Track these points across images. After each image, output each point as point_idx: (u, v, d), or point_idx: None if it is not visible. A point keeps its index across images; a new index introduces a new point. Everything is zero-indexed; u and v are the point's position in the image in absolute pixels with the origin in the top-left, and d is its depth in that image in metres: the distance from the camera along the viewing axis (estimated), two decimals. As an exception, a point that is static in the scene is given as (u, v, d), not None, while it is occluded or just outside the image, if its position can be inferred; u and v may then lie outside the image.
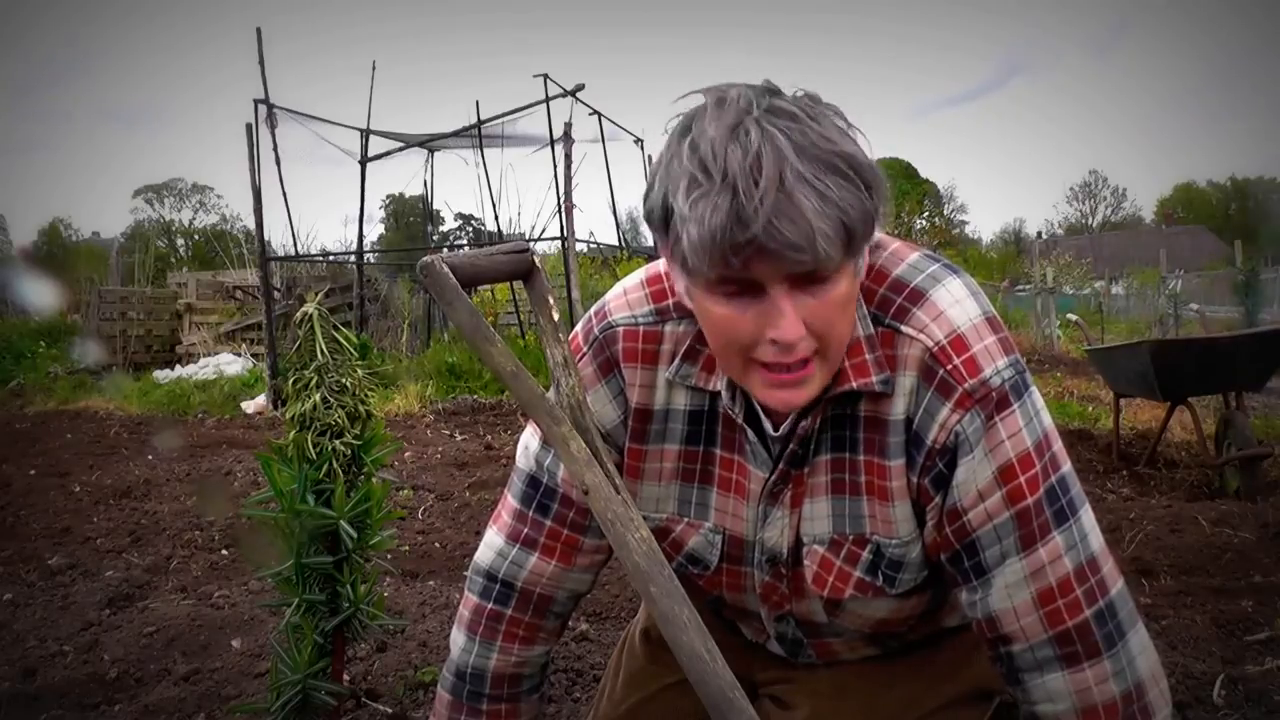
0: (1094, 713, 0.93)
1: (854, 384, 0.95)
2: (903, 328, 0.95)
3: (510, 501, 1.20)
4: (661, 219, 0.87)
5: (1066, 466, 0.96)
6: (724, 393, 1.02)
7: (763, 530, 1.06)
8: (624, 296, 1.11)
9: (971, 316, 0.95)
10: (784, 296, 0.85)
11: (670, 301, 1.06)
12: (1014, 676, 0.97)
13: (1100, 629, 0.93)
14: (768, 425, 1.03)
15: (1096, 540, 0.95)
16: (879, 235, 0.96)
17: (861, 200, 0.83)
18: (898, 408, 0.96)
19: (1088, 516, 0.95)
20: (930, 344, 0.94)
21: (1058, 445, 0.96)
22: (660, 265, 1.07)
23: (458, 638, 1.23)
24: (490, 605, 1.20)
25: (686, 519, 1.10)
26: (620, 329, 1.08)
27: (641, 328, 1.07)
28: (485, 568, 1.22)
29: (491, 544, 1.22)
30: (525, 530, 1.18)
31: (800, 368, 0.89)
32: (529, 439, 1.19)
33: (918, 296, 0.96)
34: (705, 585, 1.11)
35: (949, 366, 0.93)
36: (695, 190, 0.82)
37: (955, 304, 0.96)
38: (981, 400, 0.92)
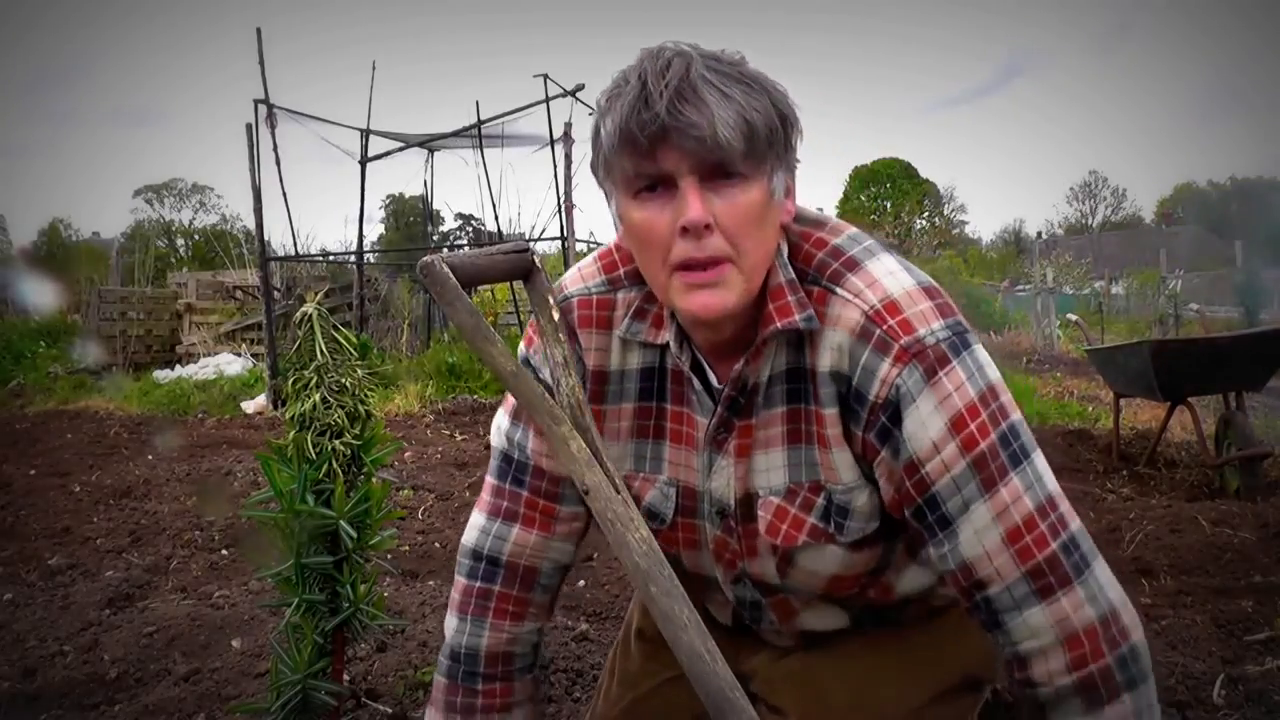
0: (1076, 640, 0.95)
1: (778, 324, 1.00)
2: (838, 289, 1.01)
3: (489, 480, 1.26)
4: (593, 152, 0.99)
5: (1016, 414, 1.00)
6: (671, 342, 1.07)
7: (709, 480, 1.10)
8: (578, 272, 1.18)
9: (905, 285, 1.00)
10: (692, 188, 0.93)
11: (622, 270, 1.14)
12: (994, 620, 0.98)
13: (1068, 559, 0.96)
14: (713, 377, 1.08)
15: (1051, 481, 0.98)
16: (822, 213, 1.06)
17: (766, 109, 0.93)
18: (824, 361, 1.01)
19: (1040, 460, 0.99)
20: (865, 307, 0.99)
21: (1006, 396, 0.99)
22: (612, 243, 1.17)
23: (450, 621, 1.26)
24: (478, 584, 1.23)
25: (643, 474, 1.15)
26: (575, 299, 1.15)
27: (595, 296, 1.14)
28: (471, 547, 1.25)
29: (475, 524, 1.26)
30: (505, 504, 1.23)
31: (713, 267, 0.95)
32: (500, 419, 1.24)
33: (853, 264, 1.02)
34: (665, 543, 1.12)
35: (885, 326, 0.98)
36: (613, 94, 0.94)
37: (889, 274, 1.01)
38: (918, 355, 0.96)
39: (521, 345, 1.22)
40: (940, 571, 1.02)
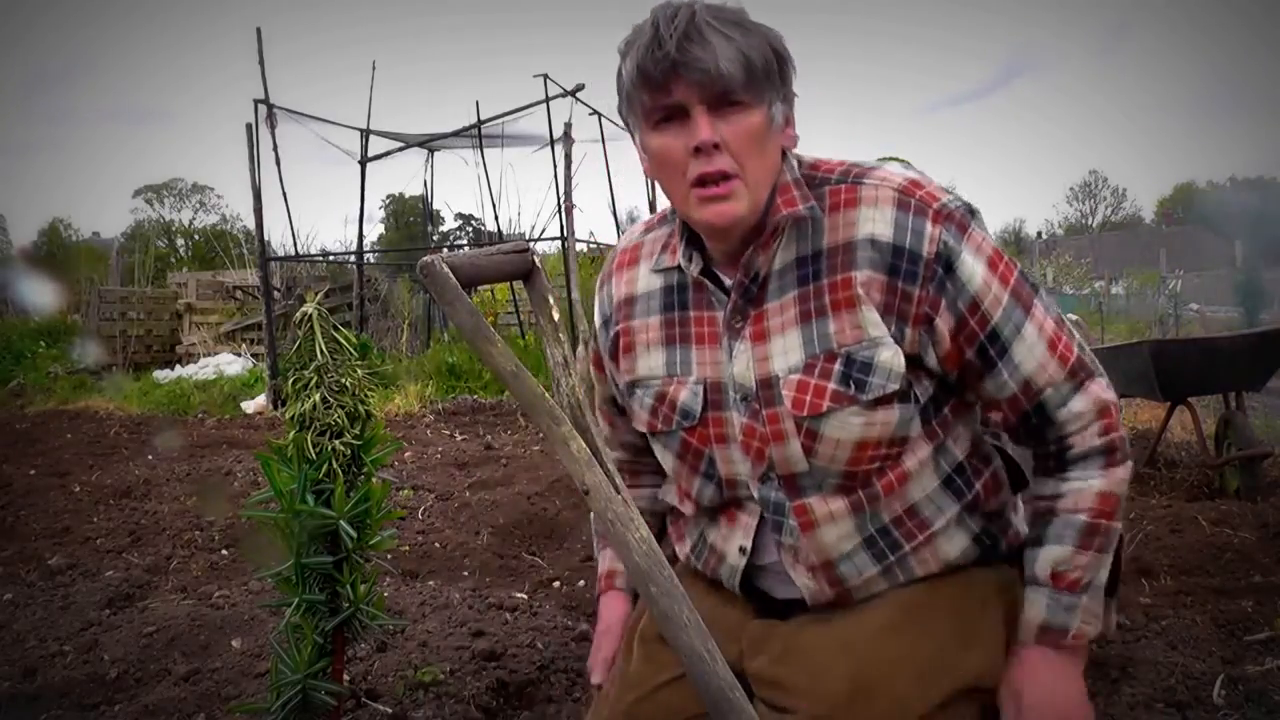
0: (1106, 410, 1.18)
1: (784, 211, 1.17)
2: (865, 180, 1.19)
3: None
4: (618, 94, 1.17)
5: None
6: (680, 256, 1.25)
7: (730, 365, 1.22)
8: (626, 233, 1.42)
9: (911, 174, 1.20)
10: (701, 115, 1.10)
11: (654, 219, 1.37)
12: (1046, 420, 1.18)
13: (1086, 357, 1.20)
14: (726, 281, 1.24)
15: (1052, 303, 1.21)
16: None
17: (762, 47, 1.11)
18: (862, 231, 1.16)
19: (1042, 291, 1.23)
20: (895, 186, 1.17)
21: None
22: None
23: None
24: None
25: (676, 377, 1.28)
26: (617, 252, 1.39)
27: (631, 244, 1.37)
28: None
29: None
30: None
31: (724, 181, 1.12)
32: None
33: (869, 169, 1.22)
34: (698, 441, 1.25)
35: (918, 196, 1.16)
36: (631, 40, 1.12)
37: (897, 170, 1.22)
38: (948, 216, 1.15)
39: (599, 299, 1.40)
40: (998, 398, 1.18)
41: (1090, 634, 1.18)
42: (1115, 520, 1.19)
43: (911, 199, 1.15)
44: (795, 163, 1.21)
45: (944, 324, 1.15)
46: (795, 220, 1.17)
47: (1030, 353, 1.16)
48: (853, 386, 1.15)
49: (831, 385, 1.15)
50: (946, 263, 1.13)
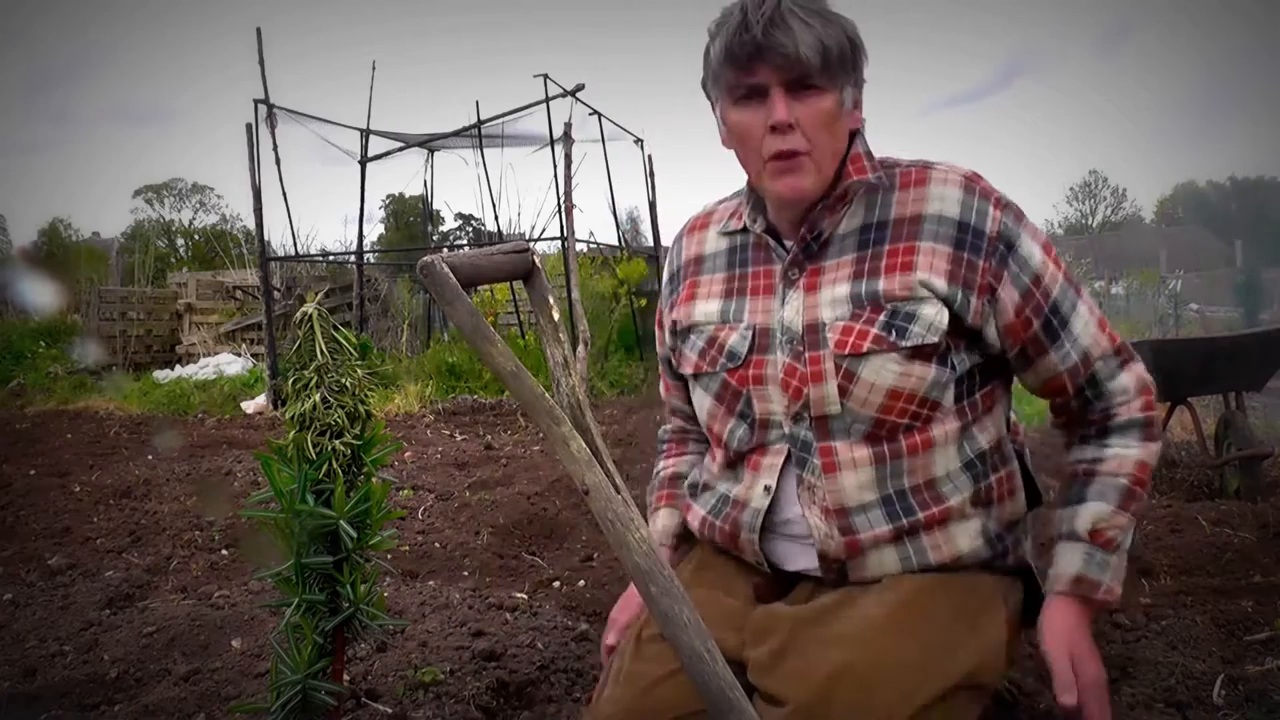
0: (1147, 389, 1.32)
1: (855, 178, 1.28)
2: (934, 166, 1.31)
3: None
4: (704, 69, 1.29)
5: None
6: (746, 217, 1.38)
7: (782, 310, 1.32)
8: (704, 206, 1.55)
9: (972, 169, 1.32)
10: (779, 97, 1.21)
11: (729, 194, 1.50)
12: (1098, 391, 1.31)
13: (1125, 341, 1.34)
14: (788, 243, 1.34)
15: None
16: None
17: (839, 36, 1.21)
18: (932, 207, 1.26)
19: None
20: (961, 174, 1.28)
21: None
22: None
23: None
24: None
25: (728, 323, 1.38)
26: (692, 218, 1.53)
27: (705, 211, 1.52)
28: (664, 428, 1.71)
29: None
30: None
31: (794, 158, 1.22)
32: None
33: (937, 161, 1.34)
34: (738, 382, 1.34)
35: (981, 185, 1.28)
36: (721, 22, 1.23)
37: (961, 166, 1.34)
38: (1006, 206, 1.27)
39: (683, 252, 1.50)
40: (1061, 369, 1.29)
41: (1115, 595, 1.25)
42: (1147, 490, 1.30)
43: (977, 186, 1.27)
44: (867, 143, 1.32)
45: (1007, 296, 1.25)
46: (866, 189, 1.29)
47: (1086, 328, 1.29)
48: (894, 333, 1.23)
49: (874, 330, 1.24)
50: (1008, 242, 1.25)
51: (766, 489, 1.32)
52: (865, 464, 1.26)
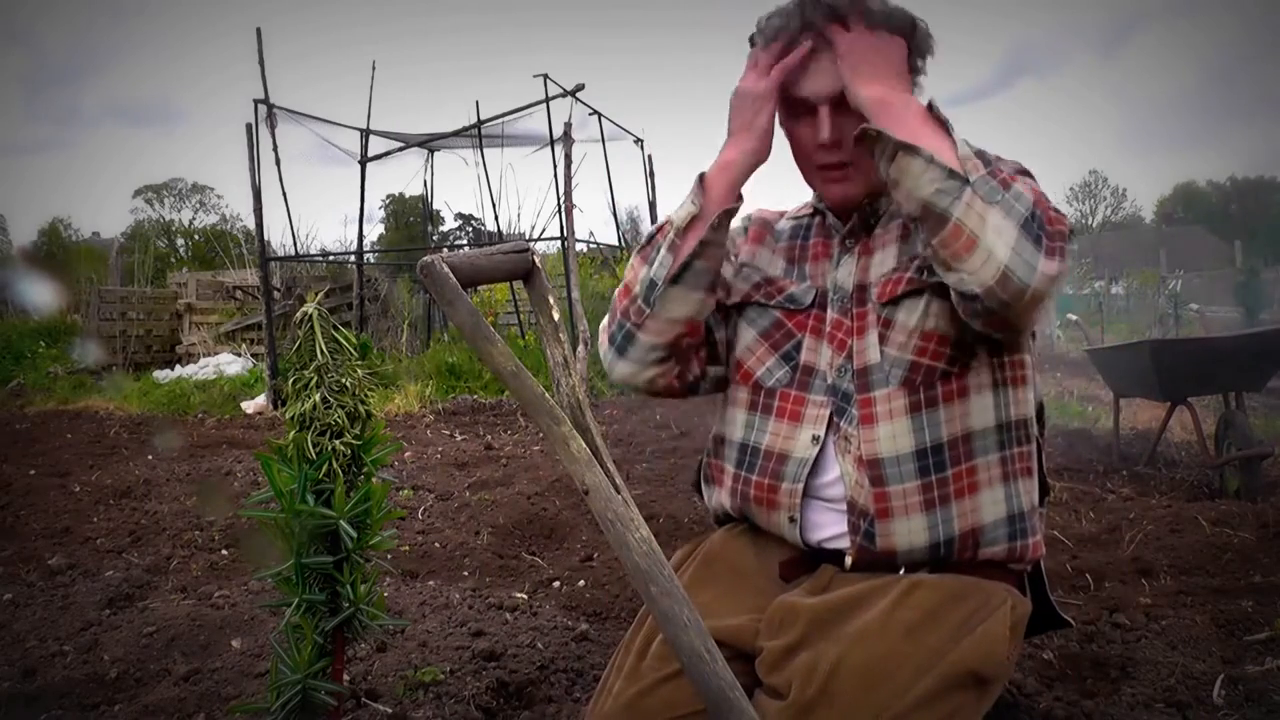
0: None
1: None
2: None
3: None
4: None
5: None
6: (814, 199, 1.50)
7: (836, 270, 1.42)
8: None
9: None
10: (826, 114, 1.31)
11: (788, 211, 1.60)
12: None
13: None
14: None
15: None
16: None
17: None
18: None
19: None
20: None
21: None
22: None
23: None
24: None
25: (790, 279, 1.48)
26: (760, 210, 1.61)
27: (781, 210, 1.60)
28: None
29: None
30: None
31: (841, 169, 1.35)
32: None
33: None
34: (796, 327, 1.43)
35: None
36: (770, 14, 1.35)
37: None
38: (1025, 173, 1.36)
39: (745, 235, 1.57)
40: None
41: (963, 150, 1.24)
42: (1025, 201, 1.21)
43: None
44: None
45: None
46: None
47: None
48: (925, 274, 1.30)
49: (909, 274, 1.33)
50: None
51: (815, 439, 1.36)
52: (901, 414, 1.31)
